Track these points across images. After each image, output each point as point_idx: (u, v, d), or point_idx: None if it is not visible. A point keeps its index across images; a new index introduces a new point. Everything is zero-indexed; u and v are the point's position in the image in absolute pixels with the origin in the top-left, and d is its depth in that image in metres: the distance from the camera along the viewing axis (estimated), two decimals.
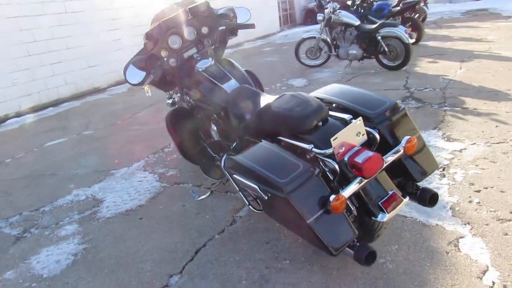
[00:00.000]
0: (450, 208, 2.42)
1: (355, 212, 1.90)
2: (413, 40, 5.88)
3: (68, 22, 7.11)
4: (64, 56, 7.10)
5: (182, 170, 3.49)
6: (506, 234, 2.13)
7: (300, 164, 1.72)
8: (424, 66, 6.16)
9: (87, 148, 4.44)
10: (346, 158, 1.70)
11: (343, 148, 1.69)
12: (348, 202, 1.83)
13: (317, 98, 2.21)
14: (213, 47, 2.84)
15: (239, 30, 2.87)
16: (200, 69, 2.67)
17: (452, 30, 9.14)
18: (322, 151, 1.77)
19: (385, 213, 1.76)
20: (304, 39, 7.06)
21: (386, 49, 6.00)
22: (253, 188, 1.79)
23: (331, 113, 1.99)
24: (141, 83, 2.53)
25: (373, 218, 1.80)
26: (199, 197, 2.82)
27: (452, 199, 2.51)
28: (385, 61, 6.21)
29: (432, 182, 2.73)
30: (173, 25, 2.65)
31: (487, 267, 1.93)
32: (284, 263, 2.13)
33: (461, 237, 2.16)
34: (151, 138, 4.45)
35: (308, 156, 1.87)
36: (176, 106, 3.23)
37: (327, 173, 1.83)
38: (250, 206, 2.06)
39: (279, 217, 1.90)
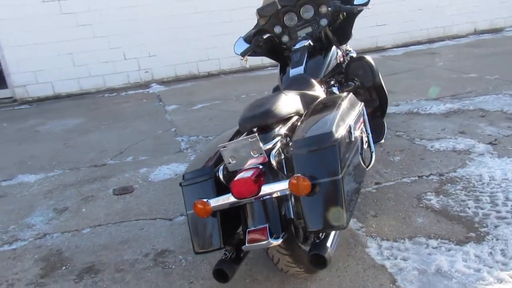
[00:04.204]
0: None
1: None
2: None
3: None
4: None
5: None
6: None
7: (210, 161, 1.73)
8: None
9: None
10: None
11: (235, 160, 1.57)
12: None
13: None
14: (330, 27, 2.71)
15: None
16: (293, 49, 2.66)
17: None
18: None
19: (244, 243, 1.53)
20: None
21: None
22: None
23: None
24: (242, 54, 2.81)
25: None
26: None
27: None
28: None
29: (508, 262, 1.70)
30: (287, 3, 2.71)
31: None
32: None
33: None
34: None
35: None
36: None
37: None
38: None
39: None
